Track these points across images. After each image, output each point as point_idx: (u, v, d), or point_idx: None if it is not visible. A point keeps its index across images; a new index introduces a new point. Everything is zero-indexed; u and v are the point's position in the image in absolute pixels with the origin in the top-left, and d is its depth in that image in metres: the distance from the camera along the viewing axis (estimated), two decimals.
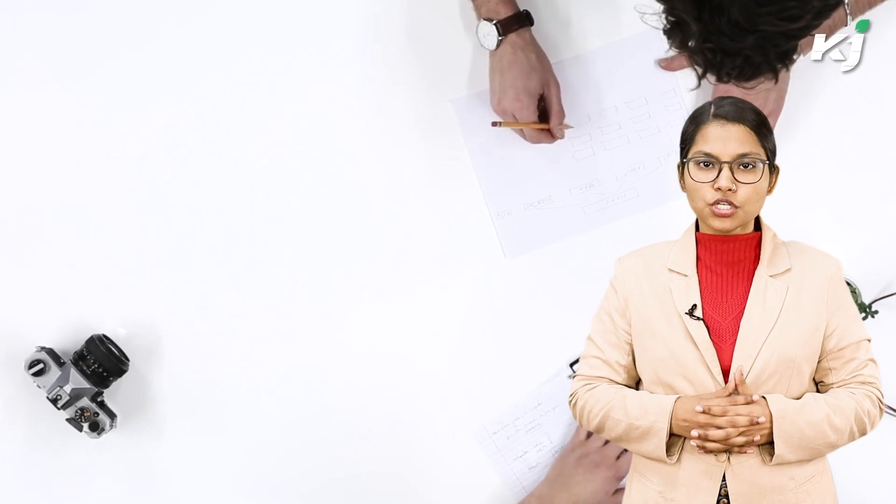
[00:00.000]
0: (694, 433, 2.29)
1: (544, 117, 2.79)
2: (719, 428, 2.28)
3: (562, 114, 2.78)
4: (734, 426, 2.28)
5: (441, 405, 2.89)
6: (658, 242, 2.44)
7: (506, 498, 2.91)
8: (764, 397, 2.30)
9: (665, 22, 2.15)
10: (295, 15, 2.82)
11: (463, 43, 2.83)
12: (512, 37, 2.73)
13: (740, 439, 2.29)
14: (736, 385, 2.29)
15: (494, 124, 2.77)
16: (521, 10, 2.75)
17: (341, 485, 2.90)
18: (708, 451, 2.30)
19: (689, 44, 2.14)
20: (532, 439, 2.91)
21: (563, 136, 2.79)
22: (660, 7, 2.14)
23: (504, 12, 2.73)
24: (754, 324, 2.33)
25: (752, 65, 2.15)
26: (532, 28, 2.76)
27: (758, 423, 2.29)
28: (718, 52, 2.13)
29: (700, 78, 2.20)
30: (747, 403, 2.29)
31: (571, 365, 2.86)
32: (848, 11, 2.71)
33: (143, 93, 2.82)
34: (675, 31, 2.15)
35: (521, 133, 2.81)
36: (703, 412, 2.29)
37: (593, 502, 2.84)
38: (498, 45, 2.74)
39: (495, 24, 2.73)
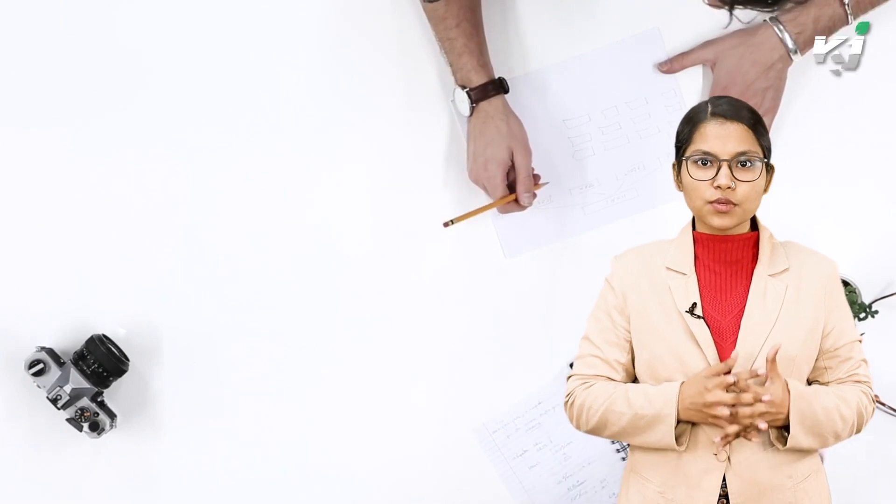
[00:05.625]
0: (724, 411, 2.26)
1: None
2: (746, 405, 2.27)
3: (528, 181, 2.77)
4: (757, 401, 2.27)
5: (441, 404, 2.89)
6: (654, 241, 2.45)
7: (505, 497, 2.91)
8: (785, 380, 2.31)
9: None
10: (294, 17, 2.81)
11: None
12: (483, 105, 2.75)
13: (751, 419, 2.27)
14: (765, 363, 2.29)
15: (446, 224, 2.77)
16: (495, 77, 2.76)
17: (342, 484, 2.90)
18: (727, 434, 2.29)
19: None
20: (532, 438, 2.91)
21: (529, 204, 2.78)
22: None
23: (476, 80, 2.74)
24: (755, 323, 2.34)
25: None
26: (507, 95, 2.77)
27: (775, 405, 2.29)
28: None
29: (731, 10, 2.22)
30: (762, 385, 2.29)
31: (571, 365, 2.86)
32: (849, 11, 2.72)
33: (144, 94, 2.81)
34: None
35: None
36: (734, 384, 2.26)
37: None
38: (471, 113, 2.76)
39: (467, 92, 2.75)
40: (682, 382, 2.32)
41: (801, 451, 2.33)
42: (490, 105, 2.75)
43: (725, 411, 2.27)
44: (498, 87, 2.76)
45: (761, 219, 2.41)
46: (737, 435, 2.29)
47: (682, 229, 2.42)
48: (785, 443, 2.31)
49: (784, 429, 2.32)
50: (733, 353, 2.31)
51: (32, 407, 2.84)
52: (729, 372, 2.29)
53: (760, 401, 2.27)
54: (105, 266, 2.84)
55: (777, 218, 2.45)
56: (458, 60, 2.74)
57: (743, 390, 2.28)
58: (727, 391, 2.27)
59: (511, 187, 2.78)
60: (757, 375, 2.29)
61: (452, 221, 2.77)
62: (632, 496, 2.41)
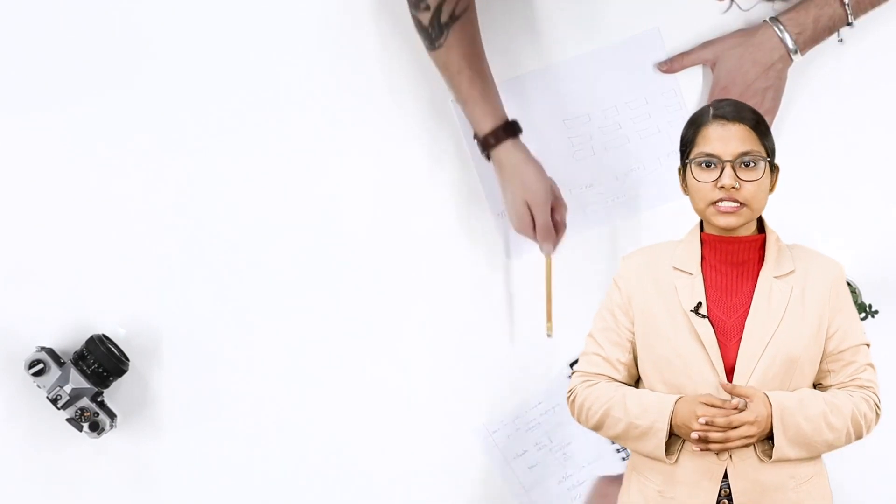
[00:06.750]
0: (693, 436, 2.29)
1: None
2: (719, 430, 2.30)
3: (546, 232, 2.75)
4: (732, 426, 2.29)
5: (441, 404, 2.89)
6: (663, 241, 2.46)
7: (505, 497, 2.91)
8: (765, 394, 2.31)
9: None
10: (295, 16, 2.81)
11: None
12: (496, 154, 2.72)
13: (739, 442, 2.30)
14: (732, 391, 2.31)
15: (549, 335, 2.81)
16: (503, 121, 2.72)
17: (341, 484, 2.90)
18: (708, 450, 2.31)
19: None
20: (532, 438, 2.91)
21: (551, 253, 2.78)
22: None
23: (483, 128, 2.71)
24: (759, 323, 2.34)
25: None
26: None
27: (753, 423, 2.30)
28: None
29: None
30: (742, 410, 2.30)
31: (571, 365, 2.86)
32: (849, 11, 2.72)
33: (144, 96, 2.81)
34: None
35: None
36: (707, 424, 2.30)
37: None
38: (489, 159, 2.74)
39: (478, 141, 2.73)
40: (679, 398, 2.33)
41: (789, 461, 2.34)
42: (501, 152, 2.72)
43: (695, 435, 2.30)
44: (507, 130, 2.73)
45: (768, 221, 2.41)
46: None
47: (691, 230, 2.42)
48: (771, 456, 2.32)
49: (771, 440, 2.32)
50: (728, 387, 2.32)
51: (32, 407, 2.84)
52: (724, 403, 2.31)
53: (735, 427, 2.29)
54: (105, 266, 2.84)
55: (777, 218, 2.45)
56: (465, 108, 2.73)
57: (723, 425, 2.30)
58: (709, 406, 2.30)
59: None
60: (736, 408, 2.30)
61: (549, 327, 2.79)
62: (633, 494, 2.42)
